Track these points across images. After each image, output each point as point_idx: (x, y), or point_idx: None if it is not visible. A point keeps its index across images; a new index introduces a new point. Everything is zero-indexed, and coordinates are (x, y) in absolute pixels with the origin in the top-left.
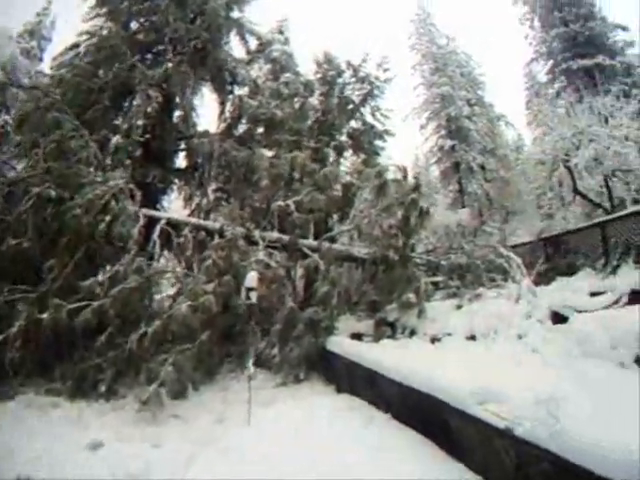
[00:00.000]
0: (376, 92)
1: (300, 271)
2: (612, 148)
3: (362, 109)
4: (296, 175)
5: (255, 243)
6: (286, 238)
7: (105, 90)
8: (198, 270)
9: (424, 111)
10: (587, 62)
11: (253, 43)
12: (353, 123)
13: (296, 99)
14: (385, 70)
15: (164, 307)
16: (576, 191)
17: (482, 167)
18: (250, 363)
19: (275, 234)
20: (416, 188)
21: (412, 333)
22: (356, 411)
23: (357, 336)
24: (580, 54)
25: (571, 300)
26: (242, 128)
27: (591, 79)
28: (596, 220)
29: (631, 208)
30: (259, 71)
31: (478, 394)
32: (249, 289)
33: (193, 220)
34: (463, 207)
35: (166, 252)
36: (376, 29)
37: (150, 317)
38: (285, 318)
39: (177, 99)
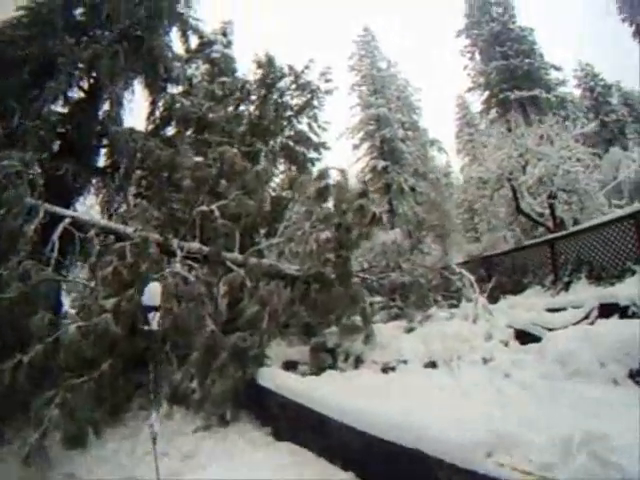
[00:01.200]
0: (315, 102)
1: (223, 288)
2: (562, 167)
3: (300, 118)
4: (223, 180)
5: (172, 254)
6: (208, 249)
7: (27, 62)
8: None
9: (358, 131)
10: (524, 94)
11: (194, 42)
12: (288, 131)
13: (231, 100)
14: (327, 81)
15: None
16: (519, 210)
17: (413, 189)
18: (153, 419)
19: (196, 244)
20: (364, 193)
21: (358, 361)
22: (305, 468)
23: (291, 365)
24: (517, 87)
25: (531, 318)
26: (172, 130)
27: (524, 111)
28: (545, 237)
29: (584, 224)
30: (196, 70)
31: (482, 443)
32: (149, 308)
33: (102, 222)
34: (392, 228)
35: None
36: (319, 44)
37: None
38: (205, 344)
39: (105, 90)
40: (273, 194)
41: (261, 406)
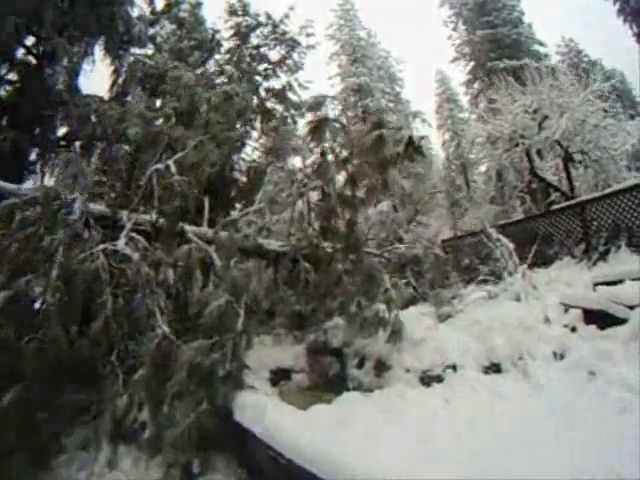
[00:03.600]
0: (295, 57)
1: (180, 271)
2: (588, 120)
3: (278, 71)
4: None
5: (121, 228)
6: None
7: None
8: None
9: (339, 102)
10: (514, 63)
11: (161, 3)
12: (264, 90)
13: (197, 54)
14: (308, 35)
15: None
16: (533, 173)
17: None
18: None
19: (147, 216)
20: (380, 123)
21: (381, 368)
22: None
23: (281, 374)
24: (506, 56)
25: (575, 294)
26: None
27: (517, 79)
28: (575, 200)
29: (621, 184)
30: (161, 30)
31: None
32: None
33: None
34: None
35: None
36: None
37: None
38: (153, 355)
39: (59, 55)
40: (249, 162)
41: (245, 454)
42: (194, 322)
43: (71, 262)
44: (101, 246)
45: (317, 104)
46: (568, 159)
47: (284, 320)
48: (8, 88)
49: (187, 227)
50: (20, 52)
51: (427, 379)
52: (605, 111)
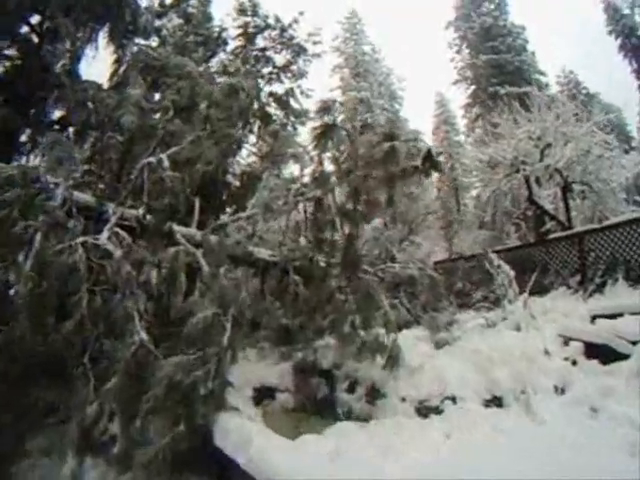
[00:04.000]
0: (301, 63)
1: (164, 273)
2: (593, 151)
3: (282, 76)
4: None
5: (104, 220)
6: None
7: None
8: None
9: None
10: (515, 90)
11: None
12: (265, 95)
13: (201, 50)
14: (315, 43)
15: None
16: (531, 200)
17: None
18: None
19: (134, 211)
20: (392, 135)
21: (374, 395)
22: None
23: (265, 392)
24: (507, 82)
25: (575, 326)
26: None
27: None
28: (573, 230)
29: (621, 217)
30: (168, 23)
31: None
32: None
33: None
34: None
35: None
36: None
37: None
38: (128, 363)
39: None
40: (244, 166)
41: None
42: (175, 330)
43: (47, 252)
44: (81, 238)
45: (325, 109)
46: (567, 189)
47: (269, 333)
48: (7, 64)
49: (175, 227)
50: (24, 29)
51: (424, 410)
52: (607, 143)
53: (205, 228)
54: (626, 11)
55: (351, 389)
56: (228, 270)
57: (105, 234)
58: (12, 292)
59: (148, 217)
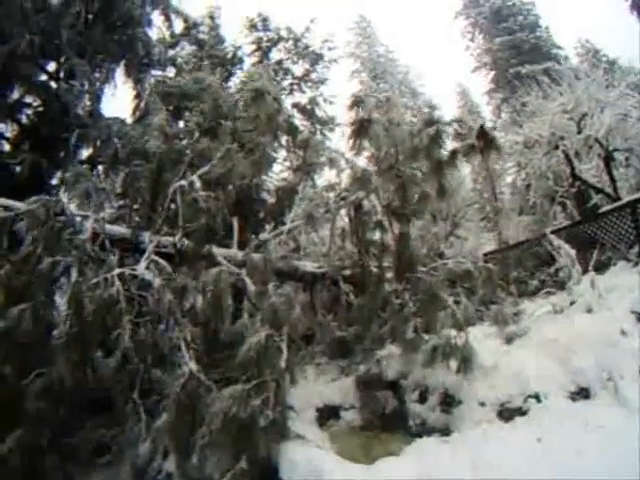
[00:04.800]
0: (319, 71)
1: (209, 299)
2: (632, 114)
3: (302, 86)
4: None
5: (142, 250)
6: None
7: None
8: None
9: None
10: (536, 67)
11: (179, 26)
12: (290, 103)
13: (218, 72)
14: (330, 49)
15: None
16: (574, 176)
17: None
18: None
19: (169, 239)
20: (432, 121)
21: (449, 402)
22: None
23: (328, 412)
24: (527, 61)
25: None
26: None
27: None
28: (624, 200)
29: None
30: (181, 51)
31: None
32: None
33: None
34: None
35: None
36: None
37: None
38: (178, 398)
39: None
40: (277, 181)
41: None
42: (226, 355)
43: (80, 288)
44: (117, 270)
45: (357, 103)
46: (609, 158)
47: (325, 348)
48: (29, 112)
49: (215, 249)
50: (42, 77)
51: (507, 413)
52: None
53: (246, 248)
54: None
55: (422, 399)
56: (276, 287)
57: (143, 264)
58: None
59: (185, 241)
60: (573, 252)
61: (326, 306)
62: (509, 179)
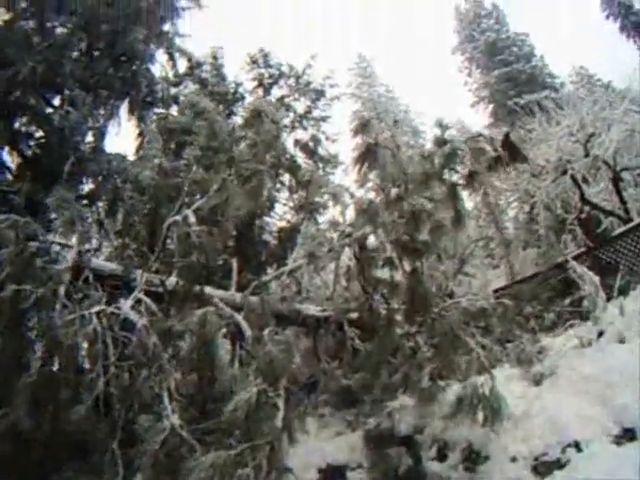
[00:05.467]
0: (321, 108)
1: (196, 341)
2: (638, 130)
3: (304, 123)
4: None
5: (132, 290)
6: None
7: None
8: None
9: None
10: (533, 97)
11: (183, 65)
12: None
13: (220, 109)
14: (332, 86)
15: None
16: (584, 200)
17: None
18: None
19: (160, 277)
20: (444, 140)
21: (474, 459)
22: None
23: (334, 473)
24: (524, 92)
25: None
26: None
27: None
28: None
29: None
30: (185, 89)
31: None
32: None
33: None
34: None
35: None
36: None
37: None
38: (156, 455)
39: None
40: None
41: None
42: (214, 410)
43: (53, 323)
44: (96, 308)
45: (363, 127)
46: (618, 179)
47: (329, 398)
48: (31, 143)
49: (211, 290)
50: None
51: (542, 467)
52: None
53: (245, 290)
54: None
55: (441, 456)
56: (275, 332)
57: (129, 303)
58: None
59: (176, 280)
60: (597, 279)
61: (330, 352)
62: (511, 213)
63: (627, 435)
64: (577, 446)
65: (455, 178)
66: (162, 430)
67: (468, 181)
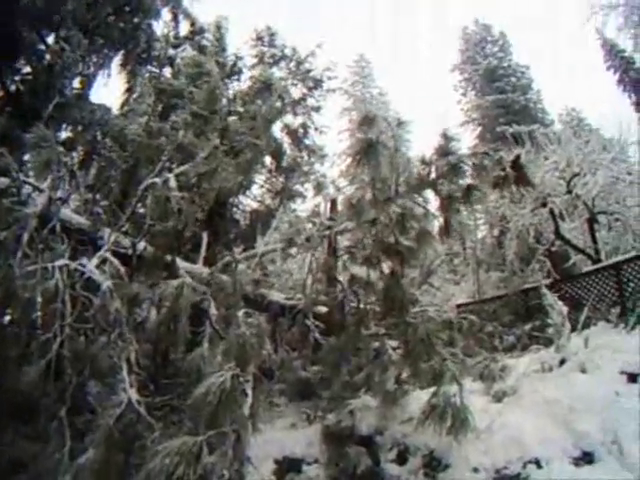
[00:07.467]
0: (317, 97)
1: (162, 314)
2: (622, 178)
3: (296, 110)
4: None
5: (98, 248)
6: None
7: None
8: None
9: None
10: (522, 129)
11: (185, 28)
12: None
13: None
14: (330, 79)
15: None
16: (558, 235)
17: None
18: None
19: (131, 239)
20: (447, 135)
21: (433, 466)
22: None
23: (289, 465)
24: (515, 122)
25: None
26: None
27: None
28: (609, 261)
29: None
30: (182, 52)
31: None
32: None
33: None
34: None
35: None
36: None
37: None
38: (110, 431)
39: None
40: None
41: None
42: (174, 386)
43: (11, 272)
44: (60, 261)
45: (367, 123)
46: (593, 220)
47: (285, 388)
48: (16, 78)
49: (179, 261)
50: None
51: None
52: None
53: (212, 266)
54: (622, 46)
55: (401, 459)
56: (247, 315)
57: (94, 261)
58: None
59: (147, 246)
60: (565, 309)
61: (290, 342)
62: (480, 235)
63: (586, 458)
64: (537, 463)
65: (451, 190)
66: (118, 404)
67: (464, 195)
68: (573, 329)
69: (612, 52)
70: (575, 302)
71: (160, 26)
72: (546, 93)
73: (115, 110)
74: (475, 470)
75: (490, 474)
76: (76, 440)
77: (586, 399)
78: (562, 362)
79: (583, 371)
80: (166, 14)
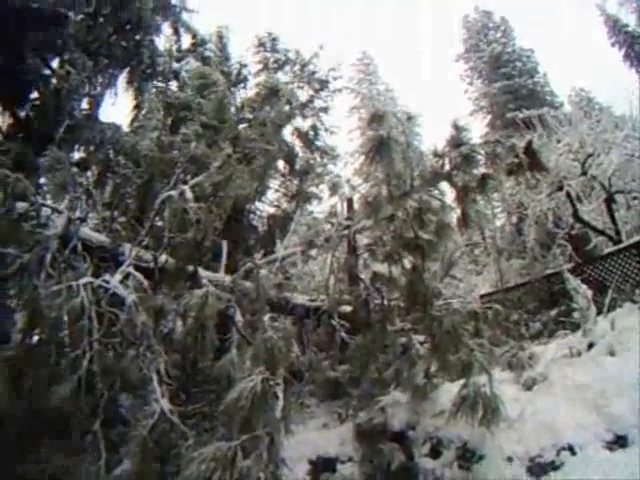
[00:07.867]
0: (323, 98)
1: (188, 325)
2: (638, 155)
3: (305, 112)
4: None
5: (120, 264)
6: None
7: None
8: None
9: (358, 155)
10: (532, 113)
11: (187, 41)
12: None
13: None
14: (335, 79)
15: None
16: (577, 217)
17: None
18: None
19: (152, 253)
20: (458, 126)
21: (468, 457)
22: None
23: (324, 465)
24: (524, 107)
25: None
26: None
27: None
28: (633, 240)
29: None
30: (186, 65)
31: None
32: None
33: None
34: None
35: None
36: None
37: None
38: (144, 442)
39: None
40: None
41: None
42: (205, 393)
43: (37, 293)
44: (84, 279)
45: (377, 119)
46: (611, 200)
47: (315, 389)
48: (25, 105)
49: (201, 271)
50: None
51: (537, 468)
52: None
53: (234, 273)
54: (624, 21)
55: (435, 453)
56: (274, 319)
57: (117, 277)
58: None
59: (168, 258)
60: (589, 293)
61: (317, 343)
62: (498, 223)
63: (620, 442)
64: (571, 449)
65: (466, 180)
66: (150, 414)
67: (480, 184)
68: (599, 312)
69: (615, 28)
70: (599, 285)
71: (162, 41)
72: (553, 75)
73: (125, 127)
74: (509, 459)
75: (524, 463)
76: (111, 452)
77: (616, 382)
78: (590, 346)
79: (612, 354)
80: (167, 29)
